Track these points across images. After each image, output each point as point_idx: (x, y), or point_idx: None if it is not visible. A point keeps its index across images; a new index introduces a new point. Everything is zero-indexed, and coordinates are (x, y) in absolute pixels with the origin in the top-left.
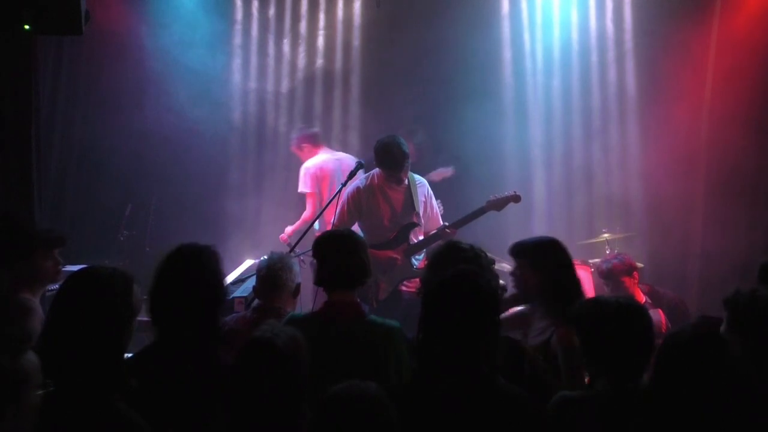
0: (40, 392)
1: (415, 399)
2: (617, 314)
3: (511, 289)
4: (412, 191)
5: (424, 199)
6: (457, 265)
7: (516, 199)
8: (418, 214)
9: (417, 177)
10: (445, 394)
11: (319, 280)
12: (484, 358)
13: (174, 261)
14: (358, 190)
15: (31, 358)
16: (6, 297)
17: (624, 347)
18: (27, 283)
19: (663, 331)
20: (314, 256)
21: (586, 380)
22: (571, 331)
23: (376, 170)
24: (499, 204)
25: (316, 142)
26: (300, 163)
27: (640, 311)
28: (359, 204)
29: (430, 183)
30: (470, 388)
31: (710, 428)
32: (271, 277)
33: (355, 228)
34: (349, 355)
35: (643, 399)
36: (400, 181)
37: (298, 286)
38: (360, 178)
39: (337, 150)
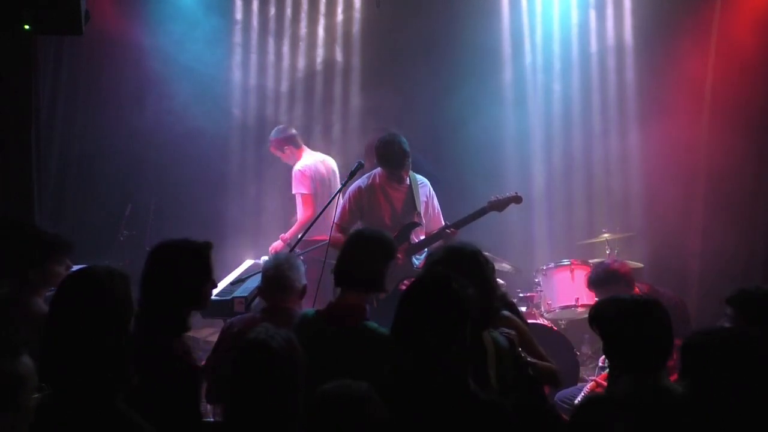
0: (36, 395)
1: (390, 398)
2: (636, 310)
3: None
4: (414, 191)
5: (425, 199)
6: (458, 269)
7: (517, 200)
8: (419, 213)
9: (419, 177)
10: (415, 395)
11: (335, 275)
12: (454, 361)
13: (149, 259)
14: (359, 190)
15: (27, 361)
16: (15, 301)
17: (643, 343)
18: (38, 289)
19: None
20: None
21: None
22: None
23: (378, 170)
24: (501, 205)
25: (297, 143)
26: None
27: (658, 306)
28: (360, 203)
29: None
30: (439, 391)
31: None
32: (279, 277)
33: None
34: (342, 359)
35: (670, 398)
36: (401, 180)
37: (305, 286)
38: (361, 177)
39: (316, 150)
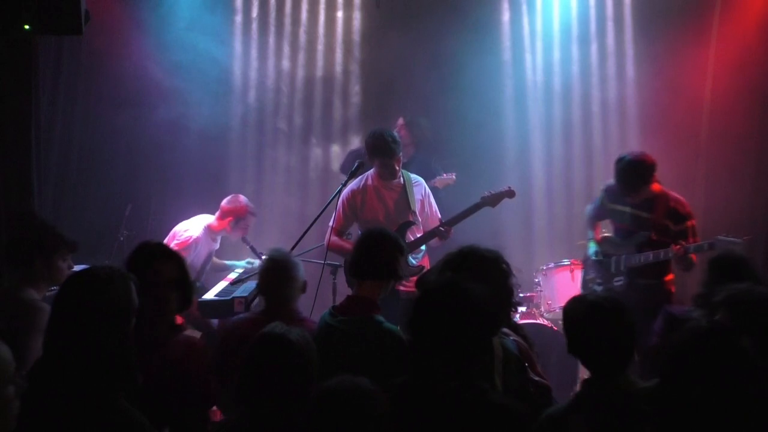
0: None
1: (404, 400)
2: (594, 312)
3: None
4: (408, 190)
5: (420, 197)
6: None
7: (510, 194)
8: (414, 212)
9: (413, 176)
10: (431, 399)
11: (349, 268)
12: (471, 366)
13: None
14: (352, 193)
15: (2, 350)
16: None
17: (603, 346)
18: (36, 282)
19: None
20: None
21: None
22: None
23: (370, 171)
24: (494, 200)
25: None
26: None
27: (619, 308)
28: (354, 206)
29: (434, 190)
30: (457, 396)
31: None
32: (279, 276)
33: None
34: (350, 350)
35: (647, 398)
36: (393, 174)
37: (305, 282)
38: (355, 180)
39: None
